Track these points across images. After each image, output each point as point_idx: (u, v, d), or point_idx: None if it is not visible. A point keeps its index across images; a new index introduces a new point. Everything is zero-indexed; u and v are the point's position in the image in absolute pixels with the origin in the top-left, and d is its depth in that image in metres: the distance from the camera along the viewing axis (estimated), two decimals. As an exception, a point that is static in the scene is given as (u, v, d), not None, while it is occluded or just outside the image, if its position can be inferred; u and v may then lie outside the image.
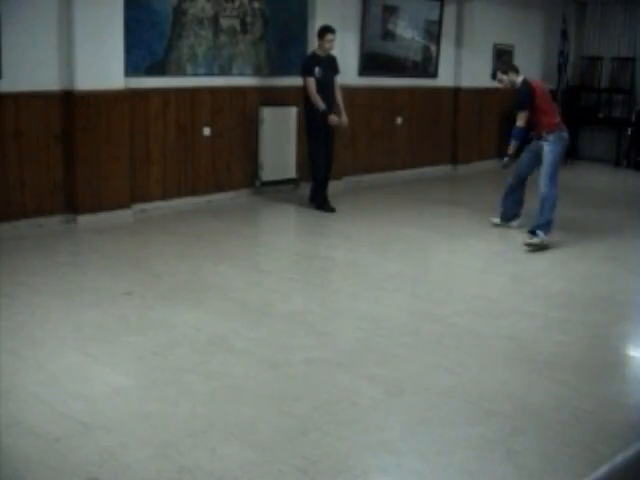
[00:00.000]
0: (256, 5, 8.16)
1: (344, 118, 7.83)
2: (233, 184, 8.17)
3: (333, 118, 7.61)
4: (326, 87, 7.64)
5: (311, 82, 7.54)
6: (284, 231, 7.75)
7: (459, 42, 10.81)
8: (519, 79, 6.63)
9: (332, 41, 7.64)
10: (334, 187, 9.09)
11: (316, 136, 7.67)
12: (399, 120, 10.09)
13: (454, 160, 11.03)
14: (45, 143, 6.59)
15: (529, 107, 6.42)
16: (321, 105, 7.50)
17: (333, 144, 7.89)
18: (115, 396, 3.43)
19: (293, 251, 6.66)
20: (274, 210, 8.07)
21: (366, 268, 5.72)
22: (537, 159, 6.52)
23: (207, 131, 7.83)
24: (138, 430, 3.12)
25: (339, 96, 7.84)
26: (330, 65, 7.73)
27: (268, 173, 8.44)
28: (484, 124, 11.36)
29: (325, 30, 7.65)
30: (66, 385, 3.52)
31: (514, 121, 6.59)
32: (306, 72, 7.60)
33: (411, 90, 10.17)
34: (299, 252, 6.55)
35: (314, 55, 7.71)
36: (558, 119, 6.52)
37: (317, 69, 7.57)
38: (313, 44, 8.69)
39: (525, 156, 6.74)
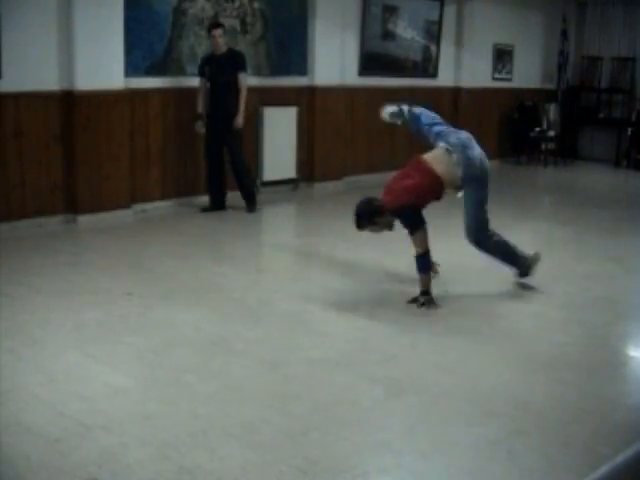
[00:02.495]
0: (256, 5, 8.17)
1: (237, 120, 7.25)
2: (233, 184, 8.16)
3: (197, 126, 7.31)
4: (217, 87, 7.23)
5: (199, 82, 7.31)
6: (284, 231, 7.74)
7: (459, 42, 10.82)
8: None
9: (217, 37, 7.16)
10: (334, 187, 9.10)
11: (206, 137, 7.39)
12: (399, 120, 10.08)
13: (454, 160, 11.01)
14: (45, 143, 6.59)
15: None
16: (197, 107, 7.29)
17: (234, 149, 7.37)
18: (115, 396, 3.42)
19: (293, 251, 6.66)
20: (274, 210, 8.06)
21: (366, 268, 5.71)
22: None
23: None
24: (138, 430, 3.12)
25: (240, 96, 7.26)
26: (226, 64, 7.22)
27: (268, 173, 8.44)
28: (484, 124, 11.36)
29: (210, 26, 7.31)
30: (66, 385, 3.52)
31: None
32: (198, 72, 7.35)
33: (411, 90, 10.15)
34: (299, 252, 6.54)
35: (208, 53, 7.36)
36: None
37: (206, 68, 7.25)
38: (313, 44, 8.71)
39: None
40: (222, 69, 7.21)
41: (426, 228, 4.75)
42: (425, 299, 4.74)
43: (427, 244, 4.74)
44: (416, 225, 4.72)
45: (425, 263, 4.75)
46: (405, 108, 5.31)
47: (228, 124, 7.25)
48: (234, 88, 7.26)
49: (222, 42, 7.24)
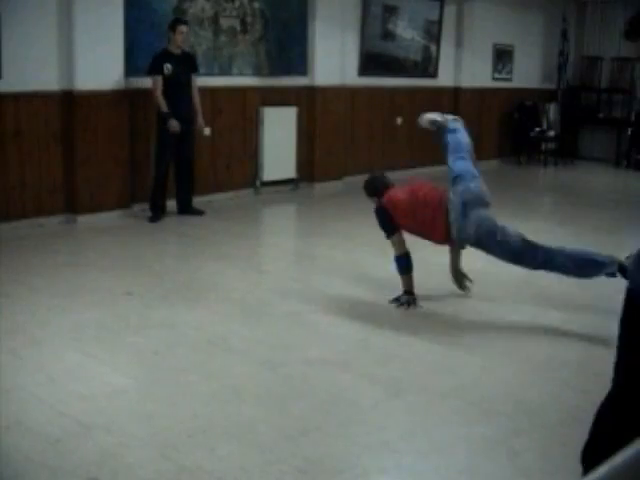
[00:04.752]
0: (256, 5, 8.17)
1: (200, 121, 7.19)
2: (233, 184, 8.17)
3: (173, 124, 6.82)
4: (179, 87, 6.93)
5: (156, 81, 6.83)
6: (284, 231, 7.74)
7: (459, 42, 10.82)
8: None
9: (184, 34, 6.96)
10: (334, 187, 9.10)
11: (163, 141, 6.97)
12: (399, 120, 10.10)
13: (454, 160, 11.01)
14: (45, 143, 6.59)
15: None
16: (163, 107, 6.83)
17: (190, 153, 7.21)
18: (115, 396, 3.43)
19: (293, 251, 6.66)
20: (274, 210, 8.07)
21: (366, 268, 5.71)
22: None
23: (207, 131, 7.83)
24: (138, 430, 3.12)
25: (196, 97, 7.15)
26: (185, 63, 7.03)
27: (268, 173, 8.44)
28: (484, 124, 11.36)
29: (177, 22, 7.00)
30: (66, 385, 3.52)
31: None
32: (151, 70, 6.86)
33: (411, 90, 10.17)
34: (299, 252, 6.54)
35: (164, 51, 6.94)
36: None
37: (167, 66, 6.86)
38: (313, 44, 8.71)
39: None
40: (183, 69, 6.97)
41: (401, 232, 4.74)
42: (407, 299, 4.74)
43: (404, 247, 4.72)
44: (388, 231, 4.74)
45: (402, 265, 4.75)
46: (449, 118, 5.16)
47: (188, 126, 7.03)
48: (190, 89, 7.10)
49: (184, 39, 7.06)
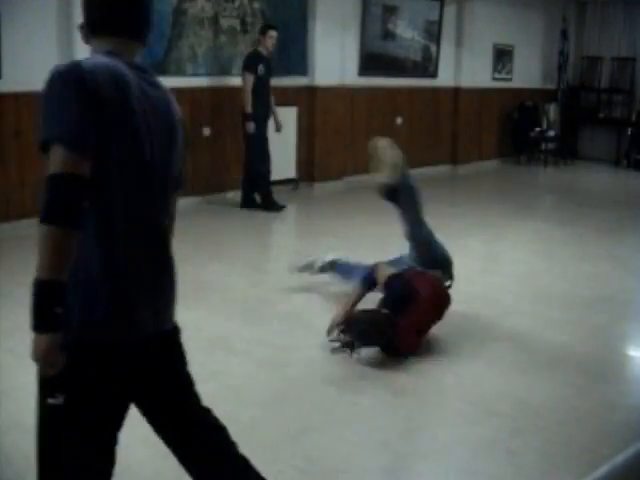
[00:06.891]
0: (256, 5, 8.17)
1: (279, 121, 7.81)
2: (233, 184, 8.16)
3: (251, 126, 7.37)
4: (266, 88, 7.49)
5: (250, 80, 7.32)
6: (284, 231, 7.75)
7: (459, 42, 10.82)
8: None
9: (274, 38, 7.51)
10: (334, 187, 9.11)
11: (262, 137, 7.53)
12: (399, 120, 10.10)
13: (454, 160, 11.03)
14: (45, 143, 6.59)
15: None
16: (249, 107, 7.32)
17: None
18: (115, 396, 3.42)
19: (293, 251, 6.66)
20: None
21: (366, 268, 5.70)
22: None
23: (207, 131, 7.83)
24: (138, 430, 3.11)
25: (273, 99, 7.71)
26: (271, 65, 7.59)
27: (268, 173, 8.45)
28: (484, 124, 11.36)
29: (267, 27, 7.56)
30: (66, 385, 3.52)
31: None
32: (249, 69, 7.38)
33: (411, 90, 10.17)
34: (299, 252, 6.53)
35: (257, 53, 7.49)
36: None
37: (261, 67, 7.39)
38: (313, 44, 8.71)
39: None
40: (271, 71, 7.56)
41: None
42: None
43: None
44: None
45: None
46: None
47: (266, 126, 7.62)
48: (270, 90, 7.65)
49: (274, 43, 7.60)
